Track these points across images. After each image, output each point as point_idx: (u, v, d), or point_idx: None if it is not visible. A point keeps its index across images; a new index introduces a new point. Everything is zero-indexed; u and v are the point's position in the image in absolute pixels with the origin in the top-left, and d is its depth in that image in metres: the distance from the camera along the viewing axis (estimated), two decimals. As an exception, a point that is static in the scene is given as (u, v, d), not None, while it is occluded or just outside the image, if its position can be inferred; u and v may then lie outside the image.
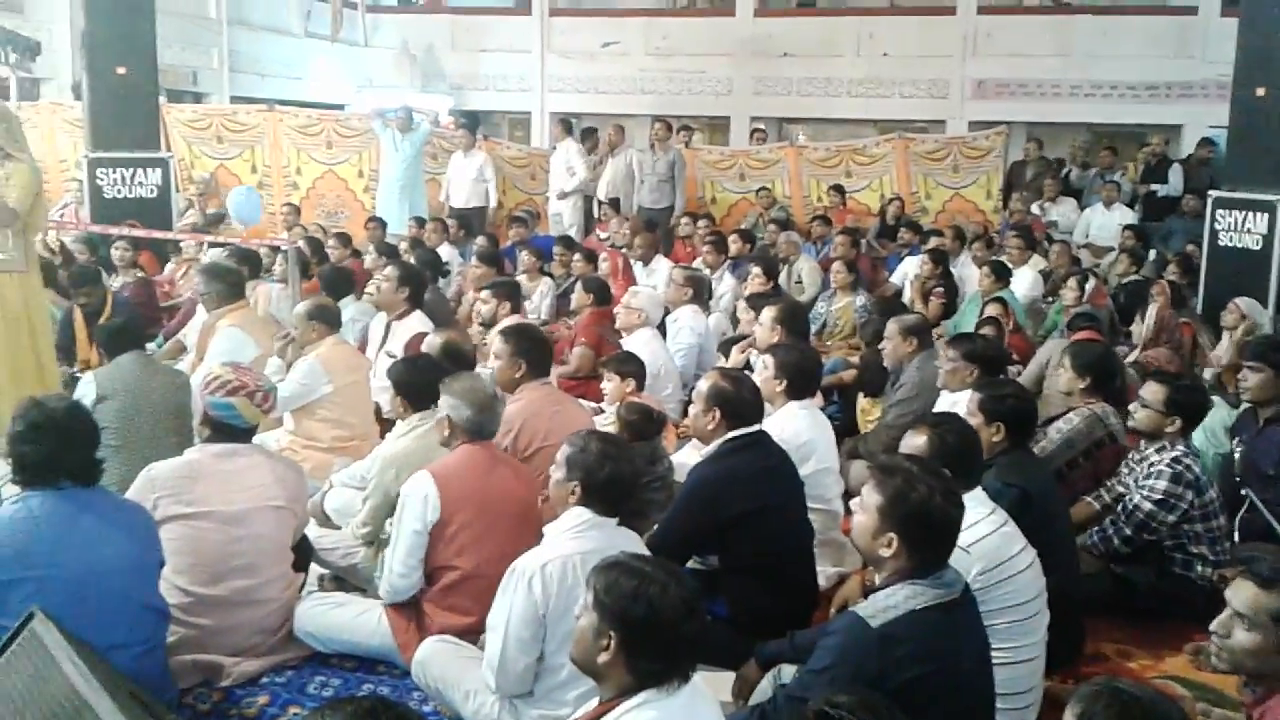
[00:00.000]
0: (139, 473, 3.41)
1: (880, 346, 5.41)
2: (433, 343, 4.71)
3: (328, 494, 4.29)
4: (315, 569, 3.81)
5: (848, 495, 4.12)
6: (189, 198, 10.04)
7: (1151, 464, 3.96)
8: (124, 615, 2.91)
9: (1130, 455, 4.27)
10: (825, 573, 3.89)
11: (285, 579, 3.45)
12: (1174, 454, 3.92)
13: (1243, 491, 3.90)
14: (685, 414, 5.27)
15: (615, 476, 2.92)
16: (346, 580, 3.82)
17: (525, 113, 17.56)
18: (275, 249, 7.87)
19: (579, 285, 6.82)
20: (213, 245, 7.28)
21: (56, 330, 6.20)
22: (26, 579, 2.78)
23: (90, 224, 8.39)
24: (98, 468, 3.05)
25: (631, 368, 4.92)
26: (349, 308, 6.28)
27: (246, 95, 14.61)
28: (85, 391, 4.46)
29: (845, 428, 5.55)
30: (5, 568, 2.78)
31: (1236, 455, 4.49)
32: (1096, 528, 4.06)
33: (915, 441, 3.10)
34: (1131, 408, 4.23)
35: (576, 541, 2.86)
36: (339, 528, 4.04)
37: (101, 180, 8.85)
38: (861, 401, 5.80)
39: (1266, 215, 6.99)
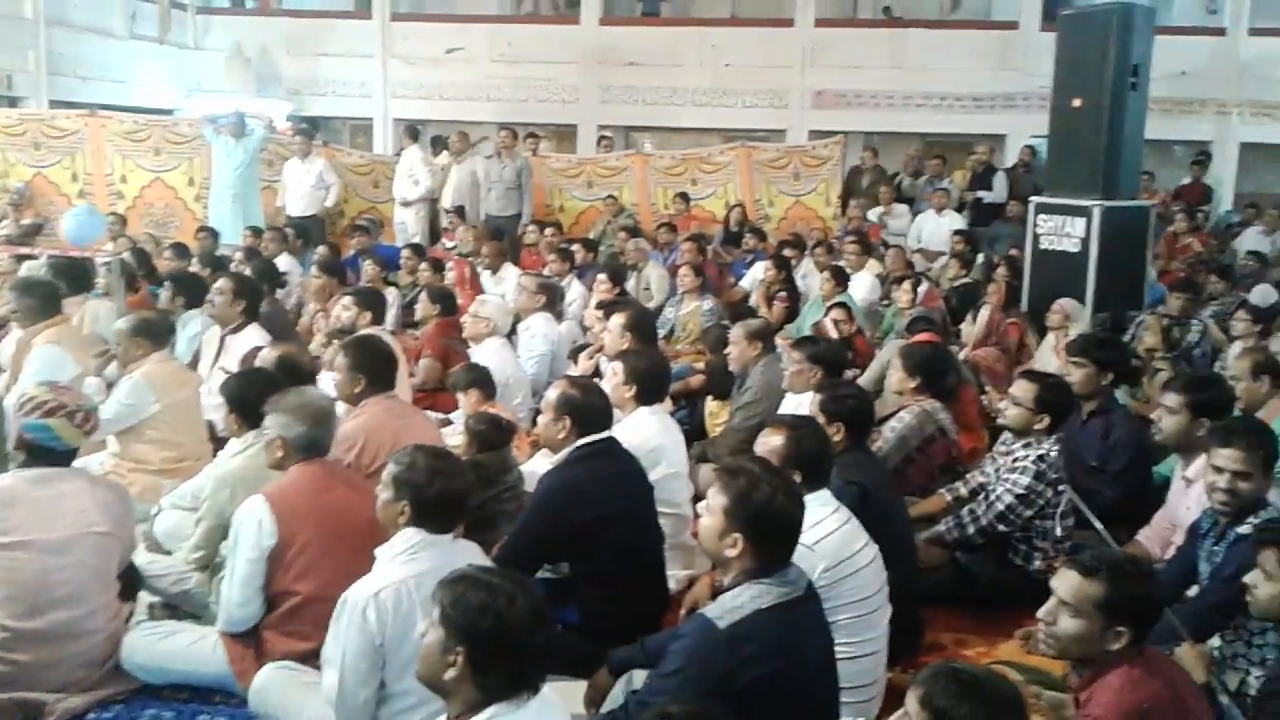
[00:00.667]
0: (-55, 503, 3.17)
1: (726, 351, 5.49)
2: (268, 356, 4.53)
3: (157, 517, 4.07)
4: (145, 597, 3.61)
5: (696, 499, 4.16)
6: (3, 207, 9.42)
7: (1016, 459, 4.08)
8: (-71, 655, 2.70)
9: (995, 448, 4.42)
10: (675, 576, 3.92)
11: (111, 609, 3.26)
12: (1039, 451, 4.04)
13: (1060, 488, 4.08)
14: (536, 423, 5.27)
15: (445, 493, 2.84)
16: (179, 608, 3.63)
17: (367, 119, 17.20)
18: (87, 260, 7.43)
19: (424, 295, 6.70)
20: (27, 258, 6.83)
21: None
22: None
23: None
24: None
25: (477, 377, 4.87)
26: (196, 320, 6.00)
27: (67, 99, 13.83)
28: None
29: (694, 432, 5.61)
30: None
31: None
32: (952, 517, 4.18)
33: (772, 442, 3.16)
34: (1001, 405, 4.35)
35: (410, 565, 2.77)
36: (170, 553, 3.83)
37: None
38: (709, 405, 5.88)
39: (1083, 219, 7.39)
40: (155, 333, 4.64)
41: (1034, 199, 8.04)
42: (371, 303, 5.85)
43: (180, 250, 8.12)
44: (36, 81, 14.50)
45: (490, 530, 3.82)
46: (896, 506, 3.84)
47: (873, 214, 11.00)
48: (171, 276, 6.64)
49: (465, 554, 2.85)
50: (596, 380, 4.24)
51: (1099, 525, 4.32)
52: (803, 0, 15.28)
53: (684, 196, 11.16)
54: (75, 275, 6.14)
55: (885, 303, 8.02)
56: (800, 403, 4.45)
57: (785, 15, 15.45)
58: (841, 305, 6.95)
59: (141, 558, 3.63)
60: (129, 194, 10.33)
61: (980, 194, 11.82)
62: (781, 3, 15.90)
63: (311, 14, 18.02)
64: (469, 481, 3.10)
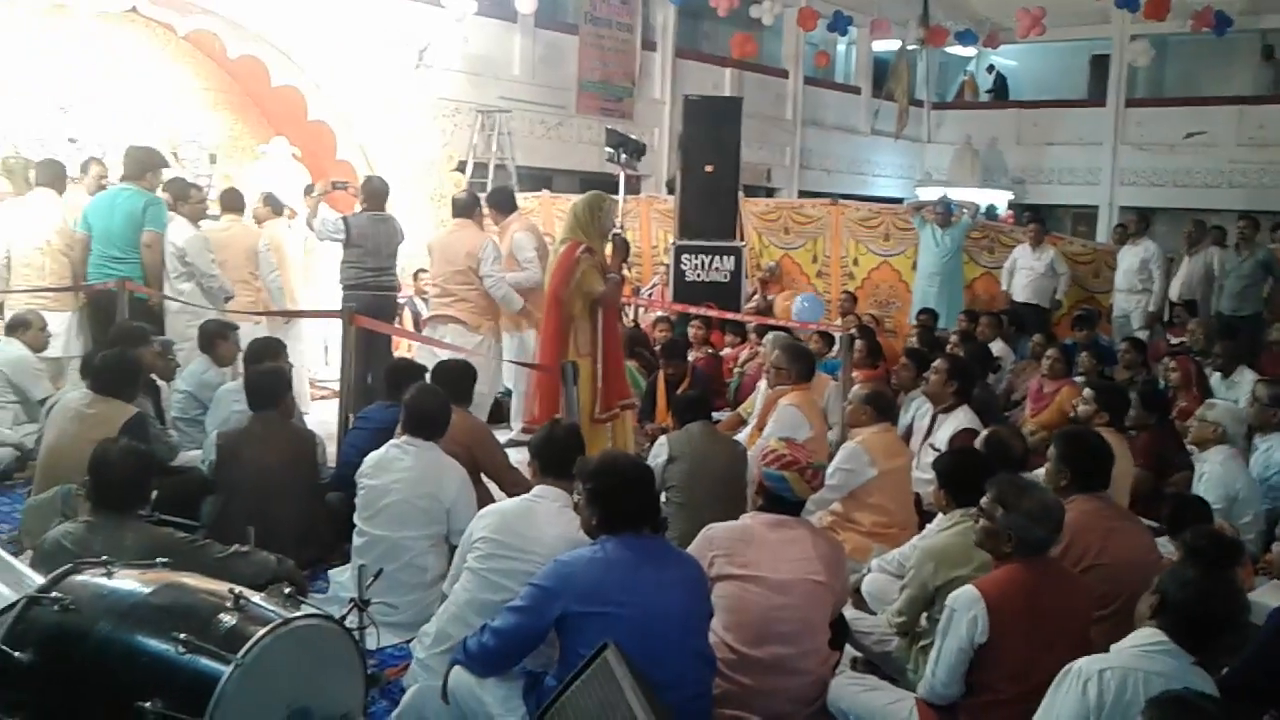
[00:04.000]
0: (697, 530, 3.70)
1: None
2: (981, 438, 4.63)
3: (865, 577, 4.37)
4: (849, 649, 3.88)
5: None
6: (755, 283, 10.85)
7: None
8: (678, 658, 3.14)
9: None
10: None
11: (822, 653, 3.53)
12: None
13: None
14: (1267, 548, 4.69)
15: (1197, 608, 2.68)
16: (878, 666, 3.84)
17: (1091, 207, 16.78)
18: (828, 336, 8.23)
19: (1135, 398, 6.27)
20: (774, 328, 7.79)
21: (641, 394, 7.00)
22: (599, 614, 3.08)
23: (672, 303, 9.40)
24: (660, 520, 3.38)
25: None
26: (919, 399, 6.27)
27: (813, 189, 15.56)
28: (659, 453, 5.00)
29: None
30: (583, 601, 3.11)
31: None
32: None
33: None
34: None
35: (1143, 659, 2.65)
36: (874, 612, 4.08)
37: (685, 265, 9.88)
38: None
39: None
40: (882, 405, 5.01)
41: None
42: (1112, 403, 5.54)
43: (932, 340, 8.59)
44: (790, 174, 16.54)
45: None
46: None
47: None
48: (908, 352, 7.11)
49: (1199, 680, 2.63)
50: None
51: None
52: None
53: None
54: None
55: None
56: None
57: None
58: None
59: (848, 612, 3.90)
60: (859, 275, 11.23)
61: None
62: None
63: (1043, 104, 18.12)
64: (1231, 609, 2.85)
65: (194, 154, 9.65)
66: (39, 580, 2.58)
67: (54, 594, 2.43)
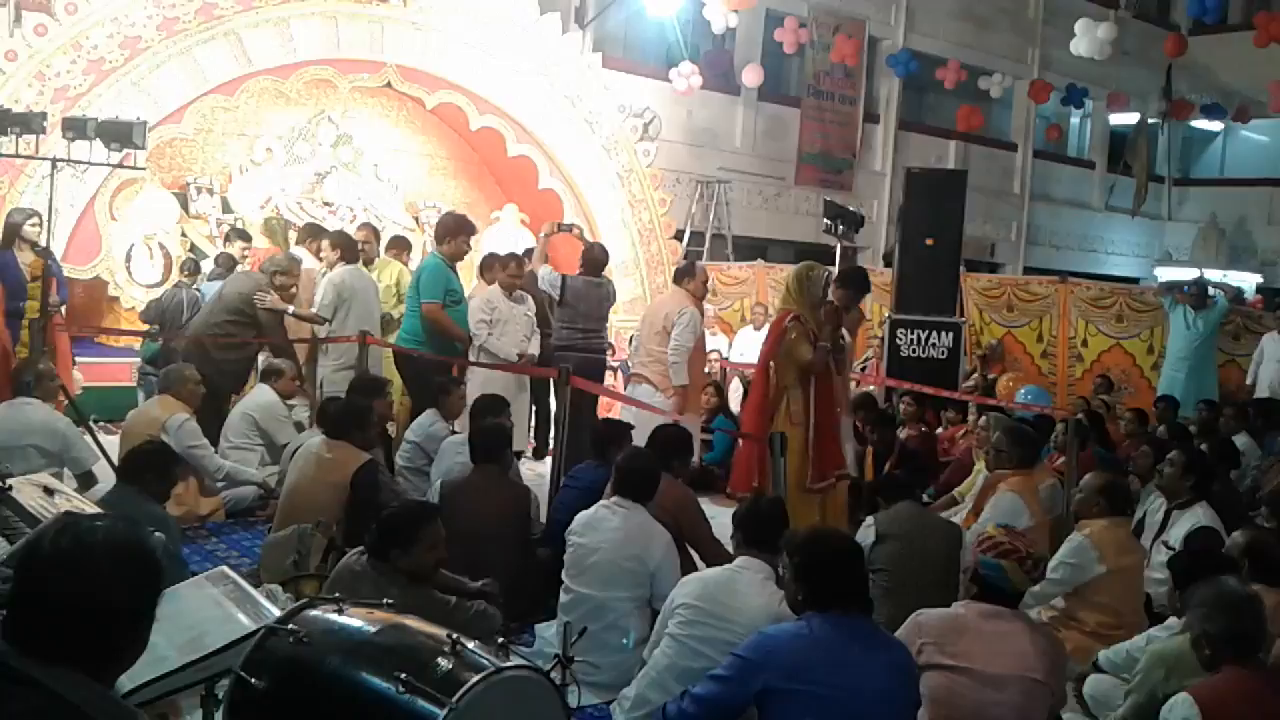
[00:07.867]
0: (905, 615, 3.57)
1: None
2: (1240, 541, 4.27)
3: (1089, 678, 4.10)
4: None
5: None
6: (974, 361, 10.51)
7: None
8: (884, 747, 3.06)
9: None
10: None
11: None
12: None
13: None
14: None
15: None
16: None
17: (1353, 294, 15.41)
18: (1049, 419, 7.82)
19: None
20: (991, 409, 7.50)
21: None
22: (802, 691, 3.02)
23: (885, 379, 9.21)
24: (867, 601, 3.29)
25: None
26: (1155, 496, 5.89)
27: (1039, 266, 15.03)
28: (866, 534, 4.88)
29: None
30: (786, 677, 3.05)
31: None
32: None
33: None
34: None
35: None
36: (1095, 718, 3.83)
37: (900, 340, 9.67)
38: None
39: None
40: (1115, 496, 4.71)
41: None
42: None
43: (1141, 417, 8.15)
44: (1015, 249, 16.03)
45: None
46: None
47: None
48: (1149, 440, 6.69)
49: None
50: None
51: None
52: None
53: None
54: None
55: None
56: None
57: None
58: None
59: (1068, 716, 3.68)
60: (1088, 357, 10.73)
61: None
62: None
63: (1297, 182, 16.91)
64: None
65: (433, 218, 10.28)
66: (276, 612, 2.76)
67: (290, 626, 2.60)
